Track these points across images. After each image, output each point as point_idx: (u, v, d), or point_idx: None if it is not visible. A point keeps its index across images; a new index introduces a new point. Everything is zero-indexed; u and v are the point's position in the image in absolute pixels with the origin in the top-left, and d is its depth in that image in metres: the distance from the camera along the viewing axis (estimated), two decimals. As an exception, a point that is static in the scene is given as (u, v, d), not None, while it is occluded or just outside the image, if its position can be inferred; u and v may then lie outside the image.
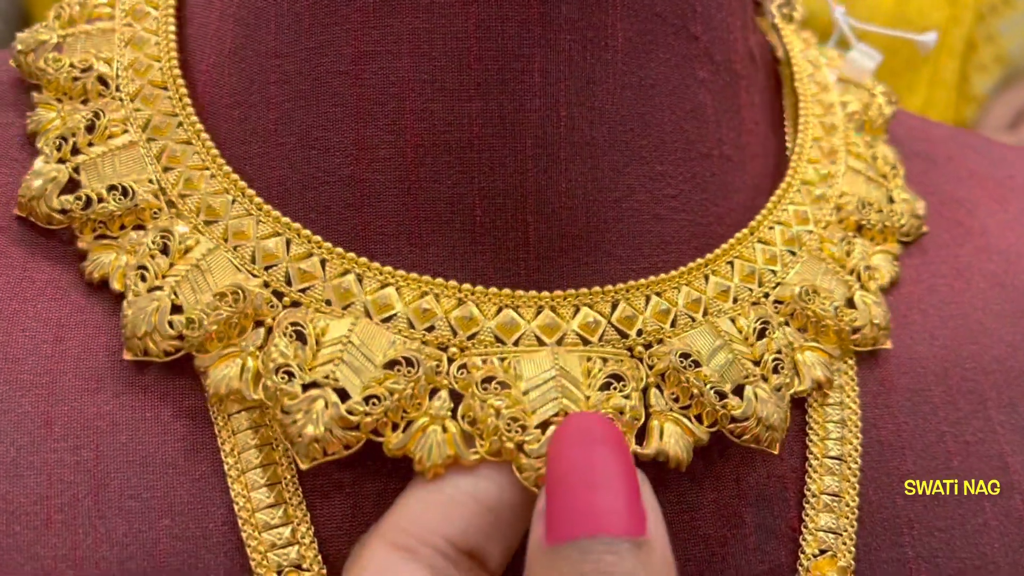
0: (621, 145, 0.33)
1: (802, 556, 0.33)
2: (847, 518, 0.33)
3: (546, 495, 0.27)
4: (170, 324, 0.31)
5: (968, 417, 0.36)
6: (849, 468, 0.34)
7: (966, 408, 0.36)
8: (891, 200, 0.38)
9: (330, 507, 0.31)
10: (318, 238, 0.32)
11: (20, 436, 0.30)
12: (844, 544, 0.33)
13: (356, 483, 0.31)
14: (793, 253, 0.35)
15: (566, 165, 0.33)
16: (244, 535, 0.30)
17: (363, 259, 0.32)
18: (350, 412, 0.29)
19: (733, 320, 0.33)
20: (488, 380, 0.30)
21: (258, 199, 0.33)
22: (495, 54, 0.32)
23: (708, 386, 0.31)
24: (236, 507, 0.30)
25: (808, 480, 0.33)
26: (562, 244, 0.33)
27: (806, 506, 0.33)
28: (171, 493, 0.30)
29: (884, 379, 0.35)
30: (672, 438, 0.31)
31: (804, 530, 0.33)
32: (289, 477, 0.31)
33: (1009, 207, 0.41)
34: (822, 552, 0.33)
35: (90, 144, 0.34)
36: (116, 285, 0.32)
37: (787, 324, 0.34)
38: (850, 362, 0.35)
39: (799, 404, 0.34)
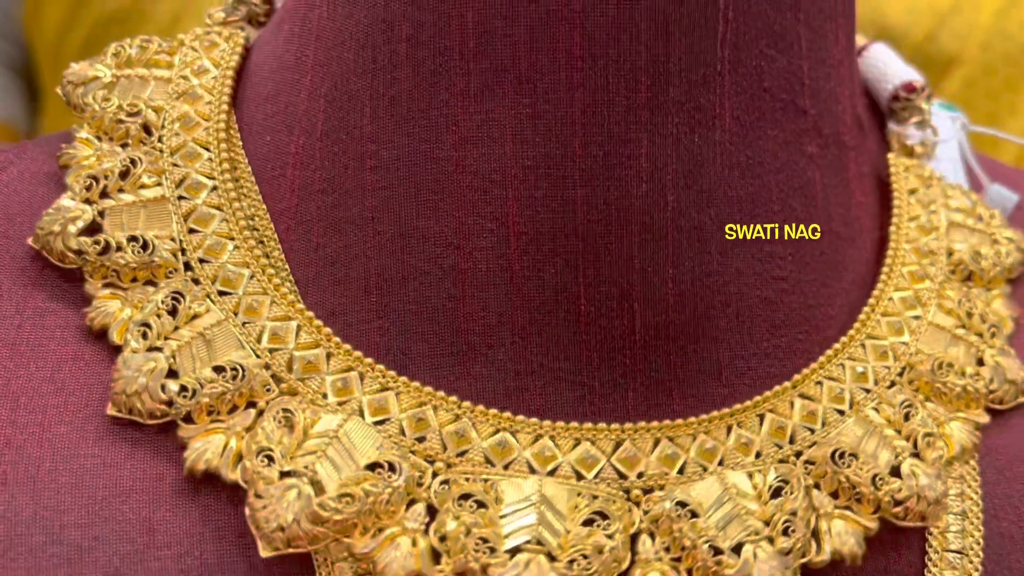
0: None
1: None
2: None
3: None
4: (162, 388, 0.30)
5: None
6: (971, 562, 0.33)
7: None
8: (980, 362, 0.35)
9: None
10: (328, 330, 0.31)
11: (123, 545, 0.30)
12: None
13: None
14: (841, 412, 0.33)
15: (673, 251, 0.31)
16: None
17: (368, 360, 0.31)
18: (322, 507, 0.28)
19: (750, 475, 0.31)
20: (465, 497, 0.29)
21: (276, 280, 0.32)
22: (601, 140, 0.31)
23: (702, 539, 0.29)
24: None
25: (927, 575, 0.32)
26: (669, 332, 0.32)
27: None
28: None
29: (1004, 468, 0.34)
30: None
31: None
32: None
33: None
34: (945, 651, 0.32)
35: (120, 191, 0.33)
36: (115, 338, 0.31)
37: (817, 487, 0.31)
38: None
39: None
